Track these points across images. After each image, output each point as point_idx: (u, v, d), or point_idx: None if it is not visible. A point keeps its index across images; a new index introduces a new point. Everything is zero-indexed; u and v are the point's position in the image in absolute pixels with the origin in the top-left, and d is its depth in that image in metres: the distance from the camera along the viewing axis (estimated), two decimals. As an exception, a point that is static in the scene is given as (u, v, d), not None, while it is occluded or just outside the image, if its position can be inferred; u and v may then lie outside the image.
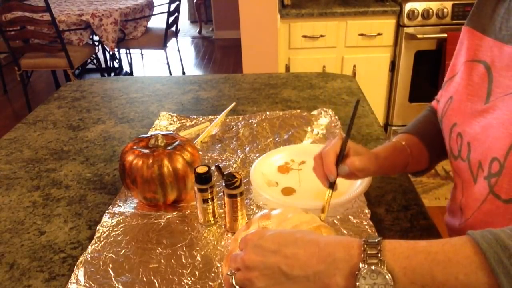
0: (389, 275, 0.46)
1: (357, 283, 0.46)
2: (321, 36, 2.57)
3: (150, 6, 4.03)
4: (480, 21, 0.72)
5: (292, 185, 0.94)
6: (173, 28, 4.01)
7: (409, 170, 0.86)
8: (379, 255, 0.47)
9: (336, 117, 1.24)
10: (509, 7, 0.67)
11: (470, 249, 0.45)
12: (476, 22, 0.73)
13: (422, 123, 0.88)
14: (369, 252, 0.47)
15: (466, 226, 0.73)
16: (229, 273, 0.55)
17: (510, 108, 0.60)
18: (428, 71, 2.61)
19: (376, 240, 0.48)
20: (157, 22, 4.43)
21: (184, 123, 1.26)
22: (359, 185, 0.89)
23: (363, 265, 0.47)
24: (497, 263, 0.42)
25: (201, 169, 0.81)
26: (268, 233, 0.54)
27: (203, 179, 0.81)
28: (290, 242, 0.51)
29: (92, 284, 0.71)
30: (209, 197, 0.82)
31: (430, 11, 2.44)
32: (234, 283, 0.54)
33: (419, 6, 2.44)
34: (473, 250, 0.44)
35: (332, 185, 0.74)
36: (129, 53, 4.50)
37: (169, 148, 0.88)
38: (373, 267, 0.46)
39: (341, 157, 0.74)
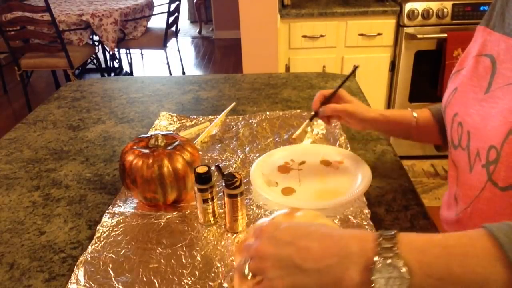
0: (405, 268, 0.45)
1: (372, 277, 0.45)
2: (321, 36, 2.57)
3: (150, 6, 4.03)
4: (491, 18, 0.75)
5: (292, 185, 0.94)
6: (173, 28, 4.01)
7: (418, 140, 0.96)
8: (394, 248, 0.46)
9: (336, 117, 1.24)
10: None
11: (487, 241, 0.44)
12: (488, 20, 0.76)
13: (439, 106, 0.94)
14: (384, 245, 0.46)
15: (465, 215, 0.73)
16: (242, 261, 0.56)
17: (509, 97, 0.61)
18: (428, 71, 2.61)
19: (392, 233, 0.47)
20: (157, 22, 4.43)
21: (184, 123, 1.26)
22: (359, 185, 0.89)
23: (378, 259, 0.46)
24: None
25: (201, 169, 0.81)
26: (283, 225, 0.54)
27: (203, 179, 0.81)
28: (305, 234, 0.51)
29: (92, 284, 0.71)
30: (209, 197, 0.82)
31: (430, 11, 2.44)
32: (247, 271, 0.54)
33: (419, 6, 2.44)
34: (490, 243, 0.44)
35: (312, 118, 0.95)
36: (129, 53, 4.50)
37: (169, 148, 0.88)
38: (388, 261, 0.45)
39: (328, 100, 0.94)
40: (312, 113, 0.95)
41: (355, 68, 0.94)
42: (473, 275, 0.44)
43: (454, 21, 2.46)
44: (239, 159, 1.07)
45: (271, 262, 0.51)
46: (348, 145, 1.10)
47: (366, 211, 0.85)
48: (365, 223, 0.82)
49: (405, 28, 2.50)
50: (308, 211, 0.65)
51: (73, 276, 0.73)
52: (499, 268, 0.43)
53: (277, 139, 1.15)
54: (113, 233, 0.83)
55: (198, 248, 0.79)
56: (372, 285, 0.46)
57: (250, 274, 0.54)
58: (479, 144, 0.65)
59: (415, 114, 0.93)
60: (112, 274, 0.73)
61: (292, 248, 0.50)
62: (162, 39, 3.82)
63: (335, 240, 0.49)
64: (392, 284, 0.45)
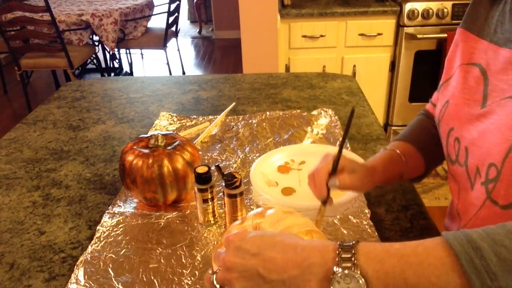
0: (362, 279, 0.46)
1: (331, 287, 0.46)
2: (321, 36, 2.57)
3: (150, 6, 4.03)
4: (474, 23, 0.72)
5: (292, 185, 0.94)
6: (173, 28, 4.01)
7: (405, 178, 0.86)
8: (353, 258, 0.47)
9: (336, 117, 1.24)
10: (504, 10, 0.66)
11: (442, 250, 0.45)
12: (471, 24, 0.73)
13: (416, 130, 0.88)
14: (343, 256, 0.47)
15: None
16: (210, 272, 0.57)
17: (507, 113, 0.59)
18: (428, 71, 2.61)
19: (351, 243, 0.48)
20: (157, 22, 4.43)
21: (184, 123, 1.26)
22: (359, 185, 0.89)
23: (337, 269, 0.47)
24: (469, 264, 0.42)
25: (201, 169, 0.81)
26: (249, 235, 0.54)
27: (203, 179, 0.81)
28: (270, 245, 0.52)
29: (92, 284, 0.71)
30: (209, 197, 0.82)
31: (430, 11, 2.44)
32: (215, 282, 0.55)
33: (419, 6, 2.44)
34: (445, 252, 0.44)
35: (325, 202, 0.75)
36: (129, 53, 4.50)
37: (169, 148, 0.88)
38: (346, 271, 0.46)
39: (333, 173, 0.74)
40: (323, 196, 0.75)
41: (353, 111, 0.73)
42: (428, 284, 0.44)
43: (454, 21, 2.46)
44: (239, 159, 1.07)
45: (237, 273, 0.52)
46: (348, 145, 1.10)
47: (366, 211, 0.85)
48: (365, 223, 0.82)
49: (405, 28, 2.50)
50: (280, 208, 0.66)
51: (73, 276, 0.73)
52: (453, 277, 0.43)
53: (277, 139, 1.15)
54: (113, 233, 0.83)
55: (198, 248, 0.79)
56: None
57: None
58: (478, 161, 0.64)
59: (398, 151, 0.83)
60: (112, 274, 0.73)
61: (258, 260, 0.51)
62: (162, 39, 3.82)
63: (298, 252, 0.50)
64: None
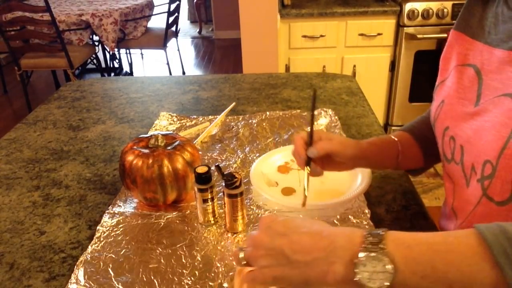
0: (390, 263, 0.45)
1: (356, 270, 0.46)
2: (321, 36, 2.57)
3: (150, 6, 4.03)
4: (468, 25, 0.73)
5: (292, 185, 0.94)
6: (173, 28, 4.01)
7: (402, 166, 0.87)
8: (380, 244, 0.47)
9: (336, 117, 1.24)
10: (497, 12, 0.67)
11: (474, 240, 0.44)
12: (465, 26, 0.74)
13: (418, 123, 0.90)
14: (371, 240, 0.47)
15: (461, 229, 0.72)
16: (239, 248, 0.58)
17: (500, 111, 0.60)
18: (428, 71, 2.61)
19: (380, 231, 0.48)
20: (157, 22, 4.43)
21: (184, 123, 1.26)
22: (359, 185, 0.89)
23: (363, 253, 0.47)
24: (501, 254, 0.42)
25: (201, 169, 0.81)
26: (280, 217, 0.56)
27: (203, 179, 0.81)
28: (298, 228, 0.53)
29: (92, 284, 0.71)
30: (209, 197, 0.82)
31: (430, 11, 2.44)
32: (241, 257, 0.57)
33: (419, 6, 2.44)
34: (477, 241, 0.44)
35: (308, 163, 0.77)
36: (129, 53, 4.50)
37: (169, 148, 0.88)
38: (373, 254, 0.46)
39: (310, 142, 0.78)
40: (304, 159, 0.78)
41: (315, 92, 0.78)
42: (458, 273, 0.43)
43: (454, 21, 2.45)
44: (239, 159, 1.07)
45: (263, 251, 0.53)
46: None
47: (366, 211, 0.85)
48: (365, 223, 0.82)
49: (405, 28, 2.50)
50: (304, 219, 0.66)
51: (73, 276, 0.73)
52: (484, 267, 0.43)
53: (277, 139, 1.15)
54: (113, 233, 0.83)
55: (198, 248, 0.79)
56: (356, 278, 0.46)
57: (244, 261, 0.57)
58: (473, 159, 0.64)
59: (394, 137, 0.85)
60: (112, 274, 0.73)
61: (285, 240, 0.52)
62: (162, 39, 3.82)
63: (325, 235, 0.51)
64: (375, 278, 0.45)
